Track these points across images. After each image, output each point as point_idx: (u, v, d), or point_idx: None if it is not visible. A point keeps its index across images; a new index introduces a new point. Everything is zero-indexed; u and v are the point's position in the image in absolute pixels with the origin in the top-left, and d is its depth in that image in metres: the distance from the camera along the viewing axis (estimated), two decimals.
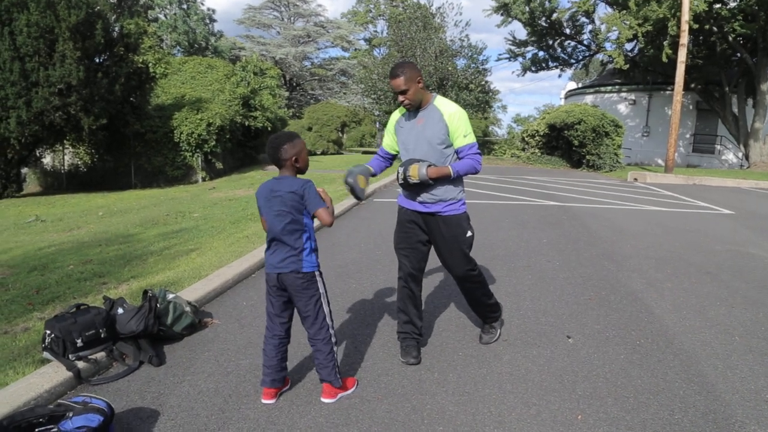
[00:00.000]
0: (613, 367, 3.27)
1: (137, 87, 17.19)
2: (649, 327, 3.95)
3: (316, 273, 2.66)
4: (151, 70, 19.04)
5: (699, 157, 26.35)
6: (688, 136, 26.26)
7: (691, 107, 25.63)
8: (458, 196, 3.18)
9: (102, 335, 3.10)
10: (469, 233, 3.22)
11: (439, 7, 22.93)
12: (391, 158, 3.39)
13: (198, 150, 18.79)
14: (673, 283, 5.07)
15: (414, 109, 3.12)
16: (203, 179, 19.24)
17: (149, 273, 5.22)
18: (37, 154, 18.68)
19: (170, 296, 3.53)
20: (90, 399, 2.39)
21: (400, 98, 3.04)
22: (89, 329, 3.03)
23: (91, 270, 5.58)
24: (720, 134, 25.84)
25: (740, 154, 24.41)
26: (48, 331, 2.99)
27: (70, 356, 2.95)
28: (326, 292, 2.72)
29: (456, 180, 3.15)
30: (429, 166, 3.01)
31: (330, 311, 2.72)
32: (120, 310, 3.26)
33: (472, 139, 3.10)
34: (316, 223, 2.66)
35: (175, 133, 18.49)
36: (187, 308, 3.53)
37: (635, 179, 16.00)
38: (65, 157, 19.95)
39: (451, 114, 3.04)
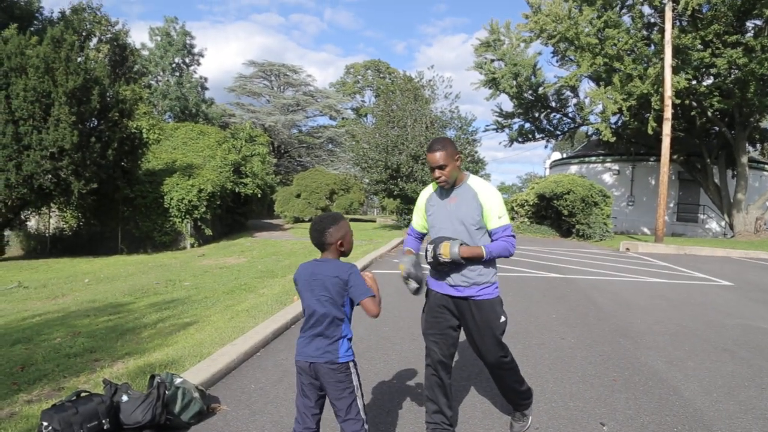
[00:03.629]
0: None
1: (129, 152, 17.19)
2: (682, 412, 3.74)
3: (351, 363, 2.46)
4: (144, 135, 19.12)
5: (683, 225, 26.75)
6: (672, 205, 26.74)
7: (673, 177, 26.22)
8: (492, 279, 3.02)
9: (105, 426, 2.81)
10: (503, 318, 3.03)
11: (430, 80, 23.41)
12: (422, 238, 3.26)
13: (188, 216, 18.61)
14: (695, 362, 4.89)
15: (448, 188, 3.02)
16: (192, 245, 18.93)
17: (146, 349, 4.91)
18: (22, 217, 18.34)
19: (178, 380, 3.27)
20: None
21: (437, 173, 2.92)
22: (92, 420, 2.76)
23: (81, 344, 5.26)
24: (702, 203, 26.37)
25: (723, 223, 24.80)
26: (45, 423, 2.71)
27: None
28: (360, 384, 2.50)
29: (489, 262, 3.00)
30: (461, 244, 2.88)
31: (363, 405, 2.49)
32: (124, 398, 2.98)
33: (506, 221, 2.96)
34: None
35: (165, 199, 18.35)
36: (196, 394, 3.25)
37: (627, 249, 16.04)
38: (51, 220, 19.59)
39: (486, 194, 2.94)
